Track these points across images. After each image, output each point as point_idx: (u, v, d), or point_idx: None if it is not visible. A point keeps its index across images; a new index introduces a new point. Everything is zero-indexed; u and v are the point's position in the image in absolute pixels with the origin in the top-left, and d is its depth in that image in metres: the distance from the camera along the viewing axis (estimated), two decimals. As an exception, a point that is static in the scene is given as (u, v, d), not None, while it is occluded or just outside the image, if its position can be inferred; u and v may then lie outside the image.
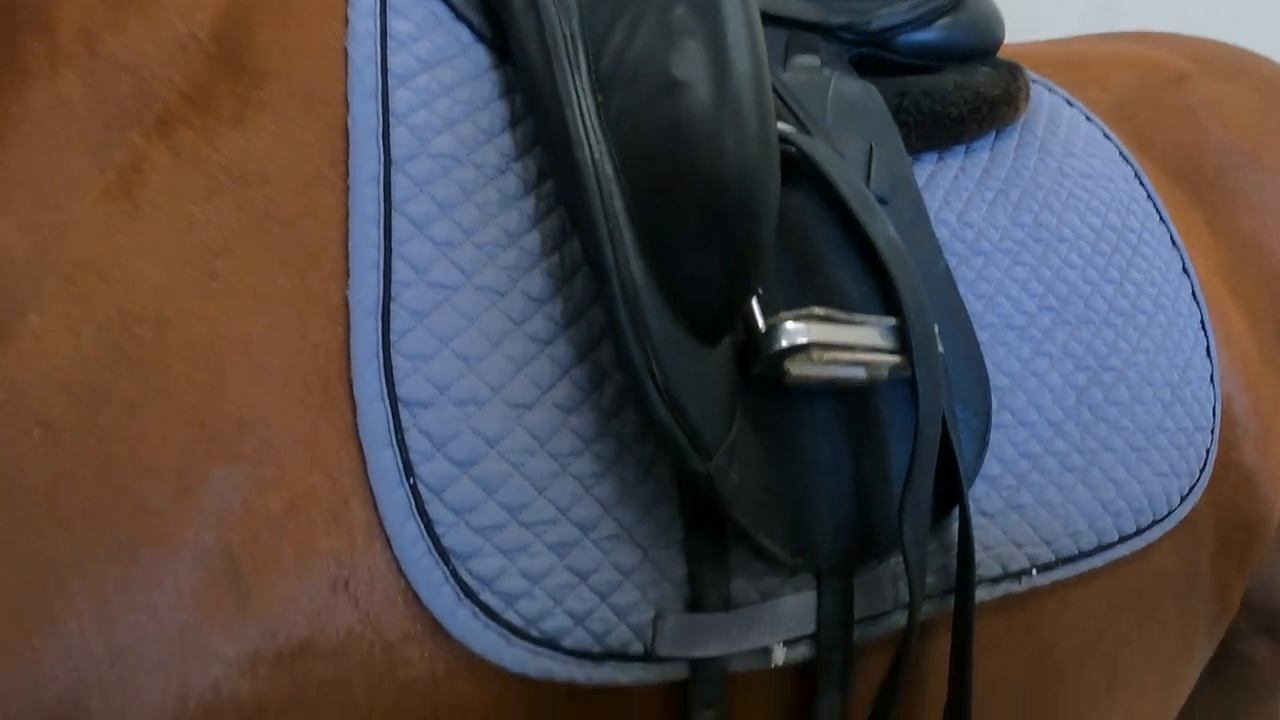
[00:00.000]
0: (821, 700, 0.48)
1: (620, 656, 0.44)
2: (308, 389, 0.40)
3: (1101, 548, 0.58)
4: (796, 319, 0.45)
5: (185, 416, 0.38)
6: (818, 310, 0.46)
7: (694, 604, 0.45)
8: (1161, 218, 0.71)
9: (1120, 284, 0.63)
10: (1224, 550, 0.68)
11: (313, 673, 0.38)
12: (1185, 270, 0.69)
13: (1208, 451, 0.65)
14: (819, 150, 0.51)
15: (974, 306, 0.57)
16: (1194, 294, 0.69)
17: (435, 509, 0.40)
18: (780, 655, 0.47)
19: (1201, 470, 0.64)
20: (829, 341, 0.45)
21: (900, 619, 0.51)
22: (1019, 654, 0.57)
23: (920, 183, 0.60)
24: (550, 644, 0.42)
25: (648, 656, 0.44)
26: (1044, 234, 0.62)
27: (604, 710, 0.46)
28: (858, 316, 0.47)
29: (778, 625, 0.47)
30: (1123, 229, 0.67)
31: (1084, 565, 0.57)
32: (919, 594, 0.48)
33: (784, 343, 0.45)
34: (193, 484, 0.38)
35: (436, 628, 0.40)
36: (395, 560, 0.40)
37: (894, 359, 0.47)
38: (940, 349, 0.49)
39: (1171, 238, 0.70)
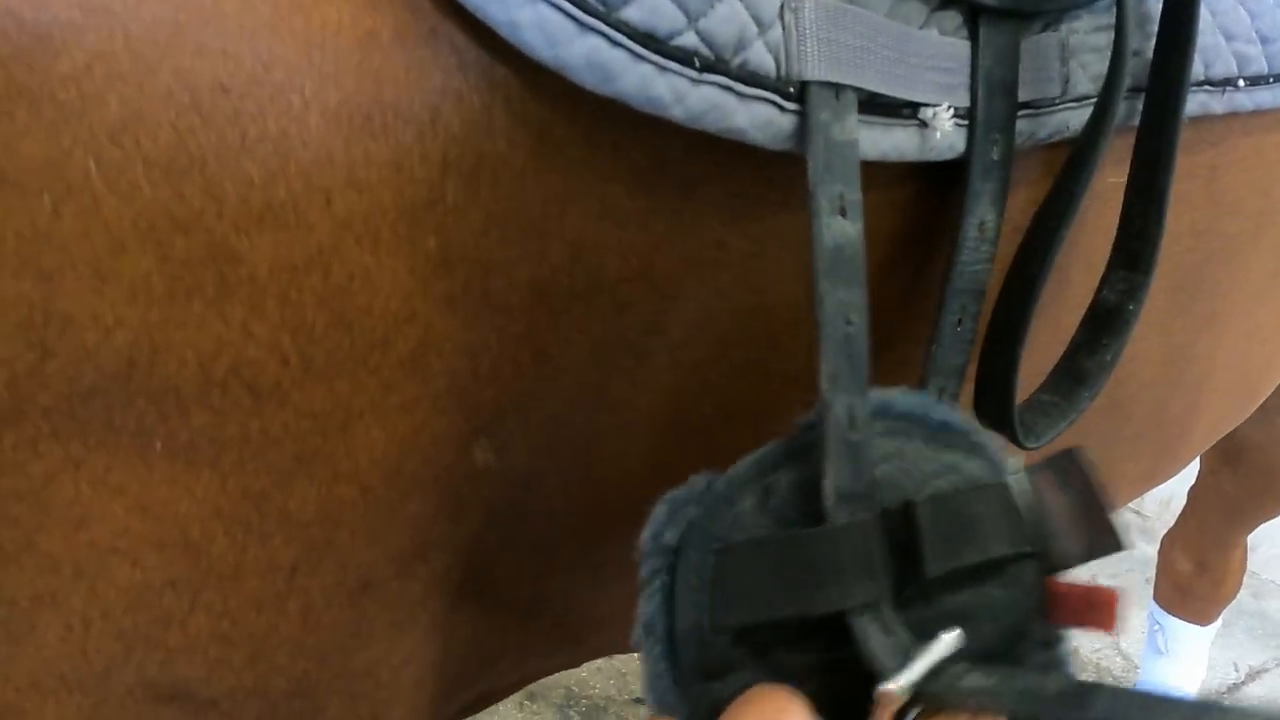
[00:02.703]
0: (969, 218, 0.33)
1: (735, 73, 0.27)
2: None
3: None
4: None
5: None
6: None
7: None
8: None
9: None
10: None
11: None
12: None
13: None
14: None
15: None
16: None
17: None
18: (946, 122, 0.31)
19: None
20: None
21: (1072, 119, 0.35)
22: (1191, 211, 0.42)
23: None
24: (606, 16, 0.24)
25: (780, 82, 0.27)
26: None
27: (668, 193, 0.29)
28: None
29: (929, 72, 0.30)
30: None
31: None
32: (1126, 53, 0.31)
33: None
34: None
35: None
36: None
37: None
38: None
39: None
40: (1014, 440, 0.36)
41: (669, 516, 0.28)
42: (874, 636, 0.26)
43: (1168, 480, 0.60)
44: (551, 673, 0.51)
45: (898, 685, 0.25)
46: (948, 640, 0.26)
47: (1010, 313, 0.35)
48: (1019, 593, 0.28)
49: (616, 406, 0.34)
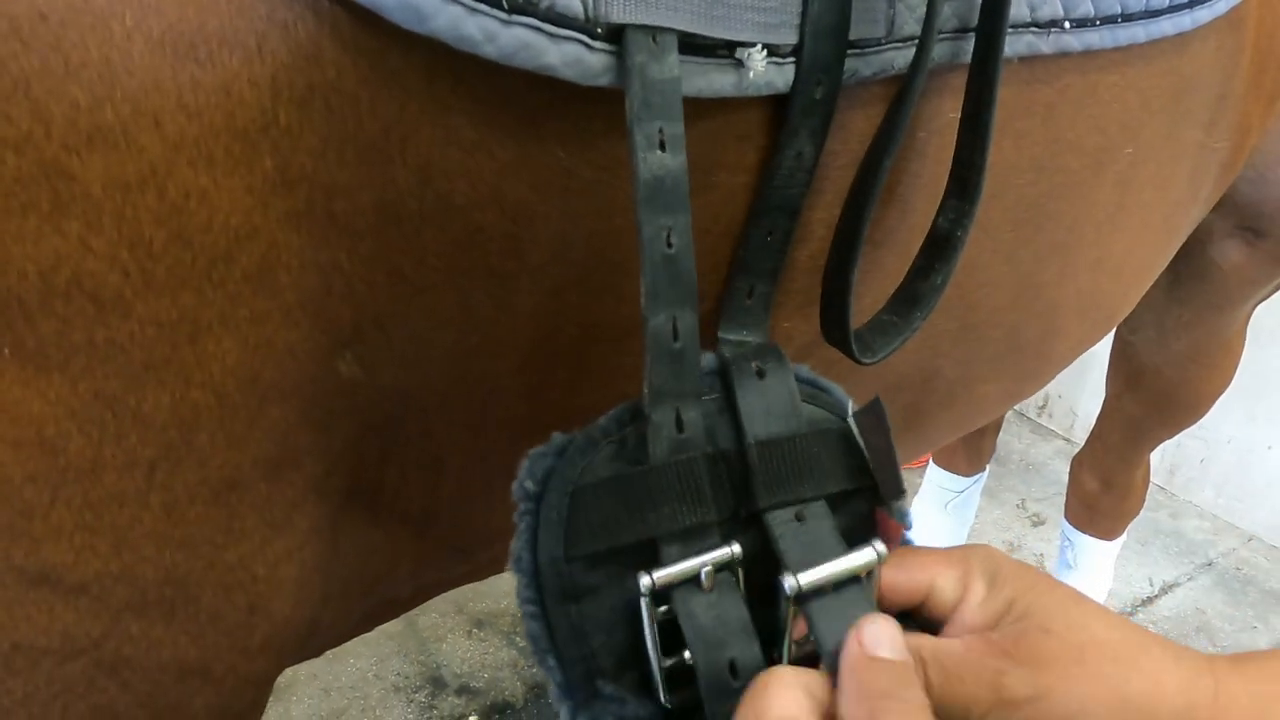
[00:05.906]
0: (785, 150, 0.35)
1: (544, 14, 0.29)
2: None
3: (1149, 14, 0.44)
4: None
5: None
6: None
7: None
8: None
9: None
10: (1255, 85, 0.56)
11: None
12: None
13: None
14: None
15: None
16: None
17: None
18: (759, 63, 0.33)
19: None
20: None
21: (897, 58, 0.37)
22: (1030, 146, 0.44)
23: None
24: None
25: (588, 24, 0.29)
26: None
27: (511, 122, 0.31)
28: None
29: (749, 12, 0.32)
30: None
31: (1123, 35, 0.44)
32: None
33: None
34: None
35: None
36: None
37: None
38: None
39: None
40: (850, 356, 0.40)
41: (530, 467, 0.32)
42: (673, 556, 0.30)
43: (1030, 397, 0.64)
44: (451, 586, 0.54)
45: (645, 581, 0.29)
46: (719, 553, 0.30)
47: (843, 238, 0.38)
48: (852, 522, 0.32)
49: (483, 327, 0.36)
